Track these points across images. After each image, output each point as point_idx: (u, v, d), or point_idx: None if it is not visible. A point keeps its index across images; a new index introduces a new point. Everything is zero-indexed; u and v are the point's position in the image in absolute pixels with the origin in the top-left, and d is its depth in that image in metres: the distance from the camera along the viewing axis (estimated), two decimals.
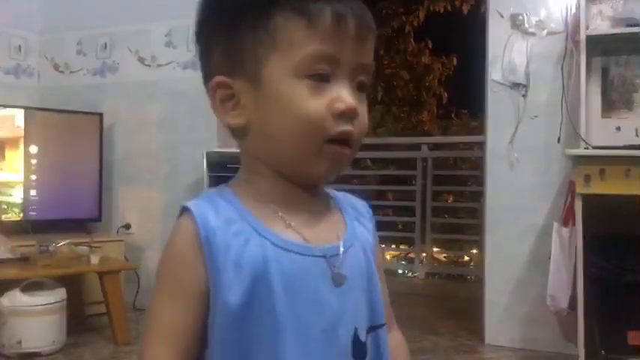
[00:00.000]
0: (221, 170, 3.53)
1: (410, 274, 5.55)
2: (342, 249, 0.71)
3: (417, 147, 5.32)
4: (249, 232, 0.68)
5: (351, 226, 0.76)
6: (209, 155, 3.55)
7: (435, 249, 5.63)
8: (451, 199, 6.54)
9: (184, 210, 0.70)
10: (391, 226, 6.01)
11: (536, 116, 3.14)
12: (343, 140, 0.68)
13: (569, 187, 2.82)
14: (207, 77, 0.73)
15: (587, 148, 2.78)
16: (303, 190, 0.73)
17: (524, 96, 3.16)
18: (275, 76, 0.68)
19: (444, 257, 6.04)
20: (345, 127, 0.68)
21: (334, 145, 0.68)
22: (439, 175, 5.28)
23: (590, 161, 2.61)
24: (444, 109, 8.77)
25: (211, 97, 0.72)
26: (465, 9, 7.48)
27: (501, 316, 3.20)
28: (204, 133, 3.79)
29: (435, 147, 5.46)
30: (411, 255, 5.54)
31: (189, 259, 0.67)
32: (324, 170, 0.70)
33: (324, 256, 0.70)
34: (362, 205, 0.81)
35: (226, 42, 0.71)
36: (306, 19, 0.67)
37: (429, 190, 5.05)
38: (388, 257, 6.58)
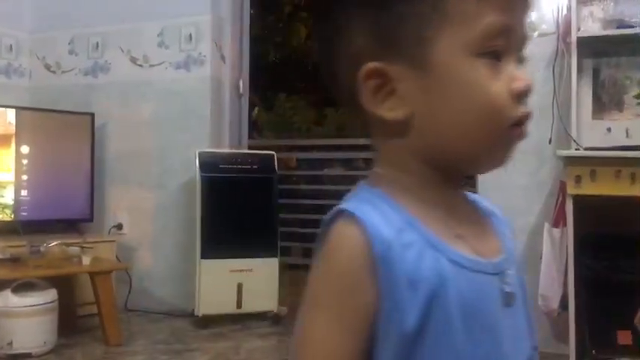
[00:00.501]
0: (213, 171, 3.54)
1: None
2: (508, 262, 0.63)
3: None
4: (422, 244, 0.57)
5: (502, 233, 0.67)
6: (201, 155, 3.55)
7: None
8: None
9: (344, 215, 0.57)
10: None
11: None
12: (522, 122, 0.60)
13: (560, 188, 2.84)
14: (345, 64, 0.61)
15: (577, 149, 2.80)
16: (455, 190, 0.64)
17: None
18: (448, 58, 0.58)
19: None
20: (526, 109, 0.60)
21: (516, 129, 0.60)
22: None
23: (581, 162, 2.63)
24: None
25: (361, 89, 0.60)
26: None
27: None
28: (197, 133, 3.79)
29: None
30: None
31: (359, 278, 0.56)
32: (503, 158, 0.61)
33: (496, 273, 0.61)
34: (495, 207, 0.71)
35: (375, 21, 0.59)
36: None
37: None
38: None
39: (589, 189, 2.57)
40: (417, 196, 0.60)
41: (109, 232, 3.95)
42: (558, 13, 3.07)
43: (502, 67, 0.58)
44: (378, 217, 0.57)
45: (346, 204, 0.59)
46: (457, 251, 0.59)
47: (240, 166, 3.60)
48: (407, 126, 0.60)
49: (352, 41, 0.61)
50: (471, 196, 0.68)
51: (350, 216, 0.57)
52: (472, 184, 3.90)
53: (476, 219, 0.65)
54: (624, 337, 2.64)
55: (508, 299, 0.61)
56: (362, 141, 6.26)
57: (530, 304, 0.67)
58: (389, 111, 0.60)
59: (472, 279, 0.58)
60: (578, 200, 2.62)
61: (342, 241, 0.57)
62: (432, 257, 0.57)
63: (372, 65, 0.59)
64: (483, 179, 3.28)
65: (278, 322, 3.56)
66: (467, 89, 0.58)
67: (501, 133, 0.59)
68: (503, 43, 0.58)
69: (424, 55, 0.58)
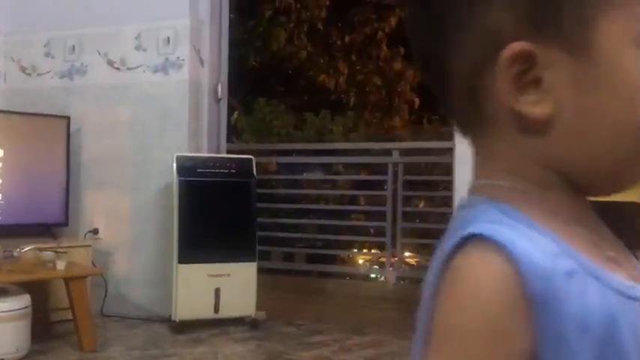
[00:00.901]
0: (191, 175, 3.52)
1: (381, 279, 5.57)
2: None
3: (388, 152, 5.36)
4: (581, 275, 0.46)
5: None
6: (179, 159, 3.53)
7: (407, 253, 5.67)
8: (422, 204, 6.59)
9: (478, 241, 0.45)
10: (363, 231, 6.04)
11: None
12: None
13: None
14: (472, 43, 0.49)
15: None
16: (587, 204, 0.53)
17: None
18: (613, 45, 0.47)
19: (415, 262, 6.08)
20: None
21: None
22: (411, 180, 5.33)
23: None
24: (415, 114, 8.85)
25: (499, 75, 0.48)
26: None
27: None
28: (174, 137, 3.77)
29: (407, 152, 5.50)
30: (383, 260, 5.57)
31: (512, 323, 0.44)
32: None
33: None
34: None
35: None
36: None
37: (400, 195, 5.09)
38: (360, 262, 6.60)
39: None
40: (554, 213, 0.49)
41: (85, 237, 3.91)
42: None
43: None
44: (525, 241, 0.45)
45: (475, 227, 0.45)
46: (617, 278, 0.47)
47: (218, 171, 3.60)
48: (548, 125, 0.48)
49: (490, 14, 0.48)
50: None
51: (488, 242, 0.44)
52: (450, 189, 3.93)
53: (612, 236, 0.53)
54: None
55: None
56: (340, 145, 6.29)
57: None
58: (532, 105, 0.48)
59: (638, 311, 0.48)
60: None
61: (484, 277, 0.44)
62: (597, 290, 0.46)
63: (520, 46, 0.47)
64: (461, 184, 3.30)
65: (256, 326, 3.55)
66: (632, 86, 0.47)
67: None
68: None
69: (585, 39, 0.47)
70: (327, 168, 5.99)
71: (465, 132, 0.54)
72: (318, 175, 5.78)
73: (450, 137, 3.98)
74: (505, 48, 0.47)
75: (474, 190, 0.52)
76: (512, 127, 0.49)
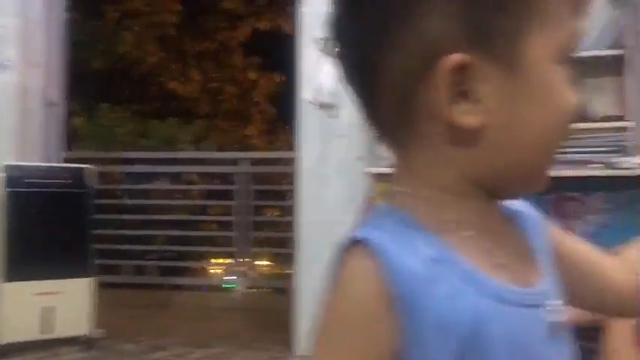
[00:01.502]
0: (20, 185, 3.28)
1: (233, 289, 5.53)
2: (549, 285, 0.55)
3: (237, 162, 5.34)
4: (457, 278, 0.49)
5: (539, 247, 0.58)
6: (7, 169, 3.28)
7: (257, 263, 5.67)
8: (274, 213, 6.65)
9: (358, 245, 0.49)
10: (215, 241, 5.96)
11: (343, 135, 3.30)
12: None
13: (367, 204, 2.99)
14: (409, 51, 0.50)
15: (386, 167, 2.97)
16: (494, 209, 0.55)
17: (333, 115, 3.31)
18: (539, 60, 0.50)
19: (267, 271, 6.11)
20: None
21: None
22: (263, 189, 5.34)
23: (388, 179, 2.78)
24: (270, 124, 8.93)
25: (436, 84, 0.49)
26: (286, 29, 7.71)
27: (312, 328, 3.29)
28: (1, 144, 3.47)
29: (259, 162, 5.51)
30: (236, 269, 5.53)
31: (378, 321, 0.47)
32: (546, 180, 0.54)
33: (541, 305, 0.53)
34: (523, 204, 0.61)
35: (468, 2, 0.49)
36: None
37: (249, 204, 5.08)
38: (212, 272, 6.50)
39: None
40: (455, 220, 0.51)
41: None
42: None
43: (568, 79, 0.52)
44: (401, 246, 0.48)
45: (361, 231, 0.49)
46: (499, 284, 0.50)
47: (49, 181, 3.37)
48: (478, 136, 0.50)
49: (429, 28, 0.49)
50: (503, 206, 0.57)
51: (365, 246, 0.48)
52: (281, 199, 4.00)
53: (516, 239, 0.56)
54: None
55: (554, 330, 0.53)
56: (188, 154, 6.17)
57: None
58: (464, 115, 0.49)
59: (517, 315, 0.50)
60: None
61: (355, 277, 0.48)
62: (469, 294, 0.48)
63: (459, 58, 0.48)
64: (303, 194, 3.37)
65: (91, 346, 3.35)
66: (553, 99, 0.51)
67: (556, 152, 0.53)
68: (576, 53, 0.53)
69: (516, 54, 0.49)
70: (177, 177, 5.84)
71: (390, 141, 0.55)
72: (166, 185, 5.61)
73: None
74: (443, 58, 0.48)
75: (387, 196, 0.54)
76: (442, 137, 0.50)
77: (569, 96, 0.51)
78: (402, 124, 0.52)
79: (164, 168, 5.62)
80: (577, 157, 2.52)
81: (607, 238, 1.78)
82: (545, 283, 0.54)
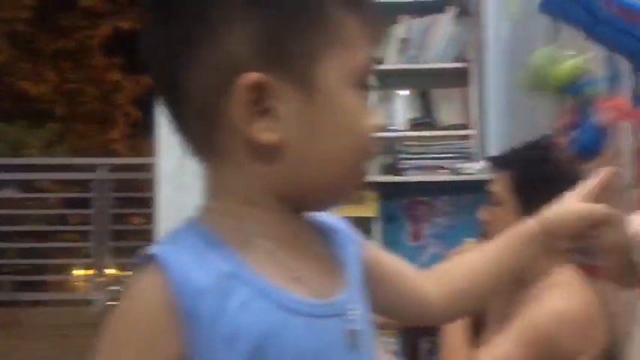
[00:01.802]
0: None
1: (93, 302, 5.25)
2: (352, 295, 0.57)
3: (94, 168, 5.08)
4: (248, 292, 0.50)
5: (345, 255, 0.60)
6: None
7: (119, 273, 5.43)
8: (138, 221, 6.41)
9: (152, 260, 0.50)
10: (74, 252, 5.65)
11: None
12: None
13: None
14: (209, 70, 0.51)
15: None
16: (300, 222, 0.57)
17: None
18: (335, 83, 0.53)
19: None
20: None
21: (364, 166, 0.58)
22: (126, 197, 5.13)
23: None
24: (135, 128, 8.61)
25: (234, 101, 0.51)
26: None
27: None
28: None
29: (118, 168, 5.28)
30: (96, 281, 5.26)
31: (159, 337, 0.49)
32: (352, 194, 0.58)
33: (339, 314, 0.55)
34: (337, 219, 0.64)
35: (265, 26, 0.51)
36: (361, 17, 0.54)
37: (108, 213, 4.86)
38: (71, 284, 6.14)
39: None
40: (256, 234, 0.53)
41: None
42: None
43: (365, 102, 0.56)
44: (193, 261, 0.49)
45: (158, 247, 0.51)
46: (293, 296, 0.52)
47: None
48: (277, 152, 0.52)
49: (228, 46, 0.51)
50: (312, 218, 0.60)
51: (157, 262, 0.49)
52: (148, 205, 3.87)
53: (319, 251, 0.58)
54: None
55: (353, 339, 0.55)
56: (40, 161, 5.78)
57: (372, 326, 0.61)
58: (263, 132, 0.52)
59: (310, 325, 0.52)
60: None
61: (141, 293, 0.50)
62: (260, 307, 0.50)
63: (255, 77, 0.51)
64: (162, 201, 3.27)
65: None
66: (348, 120, 0.54)
67: (362, 168, 0.57)
68: (370, 77, 0.56)
69: (312, 76, 0.52)
70: (26, 186, 5.44)
71: (200, 155, 0.56)
72: (14, 193, 5.21)
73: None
74: (241, 76, 0.50)
75: (196, 211, 0.56)
76: (244, 152, 0.53)
77: (366, 118, 0.55)
78: (208, 139, 0.54)
79: (12, 175, 5.22)
80: (426, 163, 2.66)
81: (452, 239, 1.89)
82: (348, 293, 0.57)
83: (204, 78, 0.52)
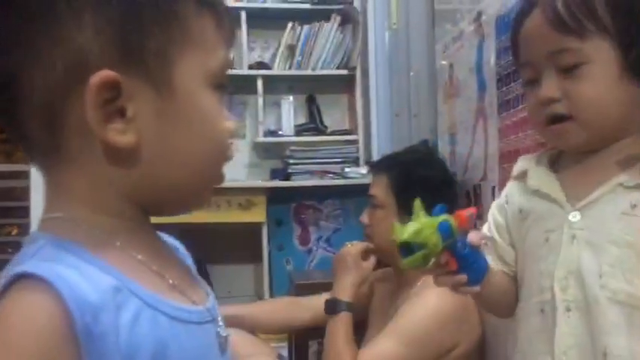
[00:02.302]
0: None
1: None
2: (214, 303, 0.57)
3: None
4: (137, 304, 0.47)
5: (194, 271, 0.60)
6: None
7: None
8: (17, 231, 5.99)
9: (27, 280, 0.44)
10: None
11: None
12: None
13: None
14: (53, 65, 0.47)
15: None
16: (153, 230, 0.55)
17: None
18: (190, 84, 0.51)
19: None
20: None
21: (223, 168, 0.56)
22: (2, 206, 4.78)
23: None
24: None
25: (88, 100, 0.47)
26: None
27: None
28: None
29: None
30: None
31: (54, 353, 0.43)
32: (208, 198, 0.56)
33: (213, 320, 0.55)
34: (172, 238, 0.62)
35: (118, 21, 0.48)
36: (215, 18, 0.53)
37: None
38: None
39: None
40: (122, 244, 0.50)
41: None
42: None
43: (222, 104, 0.55)
44: (79, 278, 0.45)
45: (27, 265, 0.44)
46: (175, 305, 0.51)
47: None
48: (133, 155, 0.49)
49: (76, 40, 0.47)
50: (159, 234, 0.58)
51: (37, 281, 0.43)
52: (25, 215, 3.64)
53: (177, 262, 0.57)
54: None
55: (224, 344, 0.56)
56: None
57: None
58: (118, 134, 0.48)
59: (194, 332, 0.52)
60: None
61: (28, 317, 0.43)
62: (150, 318, 0.48)
63: (106, 75, 0.47)
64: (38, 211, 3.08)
65: None
66: (205, 121, 0.52)
67: (220, 171, 0.55)
68: (226, 80, 0.55)
69: (167, 76, 0.50)
70: None
71: (40, 162, 0.51)
72: None
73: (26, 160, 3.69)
74: (93, 74, 0.47)
75: (41, 224, 0.50)
76: (96, 156, 0.49)
77: (222, 120, 0.54)
78: (52, 144, 0.49)
79: None
80: (313, 167, 2.70)
81: (339, 242, 1.93)
82: (211, 302, 0.57)
83: (49, 76, 0.47)
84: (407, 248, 0.73)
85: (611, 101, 0.75)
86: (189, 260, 0.61)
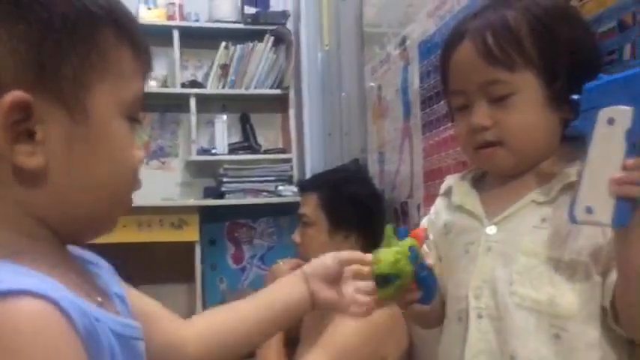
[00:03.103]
0: None
1: None
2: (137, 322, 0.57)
3: None
4: (95, 317, 0.48)
5: (114, 292, 0.60)
6: None
7: None
8: None
9: (22, 296, 0.43)
10: None
11: None
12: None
13: None
14: None
15: None
16: (66, 250, 0.56)
17: None
18: (105, 111, 0.52)
19: None
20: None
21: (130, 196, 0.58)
22: None
23: None
24: None
25: None
26: None
27: None
28: None
29: None
30: None
31: (74, 356, 0.45)
32: (114, 225, 0.57)
33: (141, 338, 0.56)
34: (91, 254, 0.62)
35: (36, 41, 0.48)
36: (133, 49, 0.55)
37: None
38: None
39: None
40: (53, 265, 0.50)
41: None
42: None
43: (133, 134, 0.56)
44: (48, 285, 0.45)
45: (14, 284, 0.44)
46: (117, 319, 0.53)
47: None
48: (41, 178, 0.50)
49: None
50: (77, 252, 0.59)
51: (23, 293, 0.43)
52: None
53: (94, 281, 0.58)
54: None
55: None
56: None
57: None
58: (26, 157, 0.49)
59: (132, 347, 0.54)
60: None
61: (36, 322, 0.43)
62: (104, 331, 0.49)
63: (17, 96, 0.47)
64: None
65: None
66: (115, 149, 0.53)
67: (128, 200, 0.57)
68: (139, 112, 0.56)
69: (81, 102, 0.51)
70: None
71: None
72: None
73: None
74: (3, 94, 0.47)
75: None
76: (6, 176, 0.49)
77: (133, 149, 0.55)
78: None
79: None
80: (247, 186, 2.71)
81: (273, 260, 1.95)
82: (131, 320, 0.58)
83: None
84: (383, 279, 0.77)
85: (538, 129, 0.79)
86: (109, 279, 0.61)
